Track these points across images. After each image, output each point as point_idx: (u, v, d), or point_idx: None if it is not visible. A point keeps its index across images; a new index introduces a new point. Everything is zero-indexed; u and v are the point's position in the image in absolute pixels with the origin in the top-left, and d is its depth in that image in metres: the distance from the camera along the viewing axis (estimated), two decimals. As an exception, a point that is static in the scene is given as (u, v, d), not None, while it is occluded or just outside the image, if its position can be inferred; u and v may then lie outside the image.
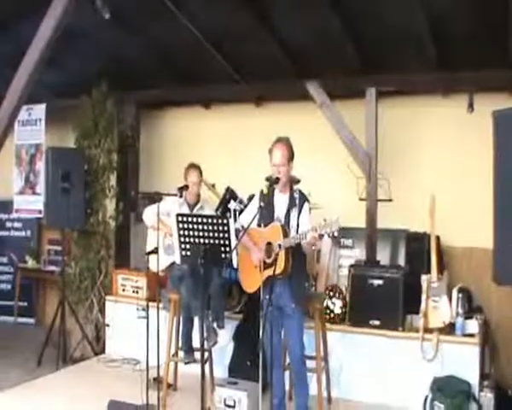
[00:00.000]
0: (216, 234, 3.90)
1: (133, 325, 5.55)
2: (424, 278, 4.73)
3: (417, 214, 5.21)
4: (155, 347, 4.14)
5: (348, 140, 5.63)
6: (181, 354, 4.95)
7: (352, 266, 5.33)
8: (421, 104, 5.87)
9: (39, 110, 6.85)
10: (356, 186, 5.70)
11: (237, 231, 4.04)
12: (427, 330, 4.66)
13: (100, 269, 6.49)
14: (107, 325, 6.13)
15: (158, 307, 4.26)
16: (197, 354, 4.73)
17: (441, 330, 4.63)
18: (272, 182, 3.96)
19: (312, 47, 5.39)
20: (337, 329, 5.06)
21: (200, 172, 5.02)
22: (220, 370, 5.21)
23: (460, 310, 4.83)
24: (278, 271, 3.77)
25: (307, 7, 4.73)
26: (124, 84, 6.42)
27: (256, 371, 3.71)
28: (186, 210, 4.92)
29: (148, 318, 4.28)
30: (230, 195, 5.59)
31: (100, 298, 6.42)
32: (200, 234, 3.93)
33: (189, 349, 4.94)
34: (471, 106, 5.42)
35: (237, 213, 5.31)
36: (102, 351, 6.16)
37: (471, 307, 5.00)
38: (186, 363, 4.88)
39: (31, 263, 7.52)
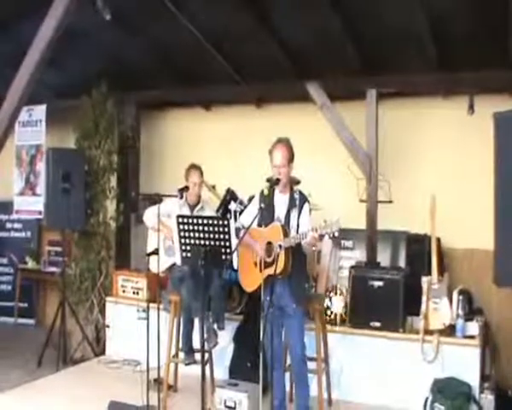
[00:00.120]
0: (216, 235, 3.89)
1: (133, 326, 5.55)
2: (425, 279, 4.72)
3: (418, 216, 5.19)
4: (156, 348, 4.12)
5: (349, 141, 5.63)
6: (181, 355, 4.94)
7: (352, 267, 5.32)
8: (422, 106, 5.88)
9: (40, 111, 6.85)
10: (356, 187, 5.69)
11: (237, 229, 4.04)
12: (428, 331, 4.65)
13: (100, 270, 6.49)
14: (108, 326, 6.12)
15: (158, 309, 4.25)
16: (197, 356, 4.73)
17: (442, 332, 4.62)
18: (273, 183, 3.97)
19: (312, 47, 5.39)
20: (337, 330, 5.06)
21: (201, 173, 5.01)
22: (220, 371, 5.20)
23: (460, 312, 4.82)
24: (278, 270, 3.77)
25: (307, 7, 4.73)
26: (124, 85, 6.42)
27: (256, 372, 3.71)
28: (187, 211, 4.92)
29: (148, 319, 4.26)
30: (231, 196, 5.58)
31: (100, 299, 6.42)
32: (201, 235, 3.93)
33: (190, 350, 4.93)
34: (471, 108, 5.40)
35: (237, 214, 5.31)
36: (103, 352, 6.15)
37: (471, 309, 5.00)
38: (186, 364, 4.87)
39: (31, 264, 7.52)
